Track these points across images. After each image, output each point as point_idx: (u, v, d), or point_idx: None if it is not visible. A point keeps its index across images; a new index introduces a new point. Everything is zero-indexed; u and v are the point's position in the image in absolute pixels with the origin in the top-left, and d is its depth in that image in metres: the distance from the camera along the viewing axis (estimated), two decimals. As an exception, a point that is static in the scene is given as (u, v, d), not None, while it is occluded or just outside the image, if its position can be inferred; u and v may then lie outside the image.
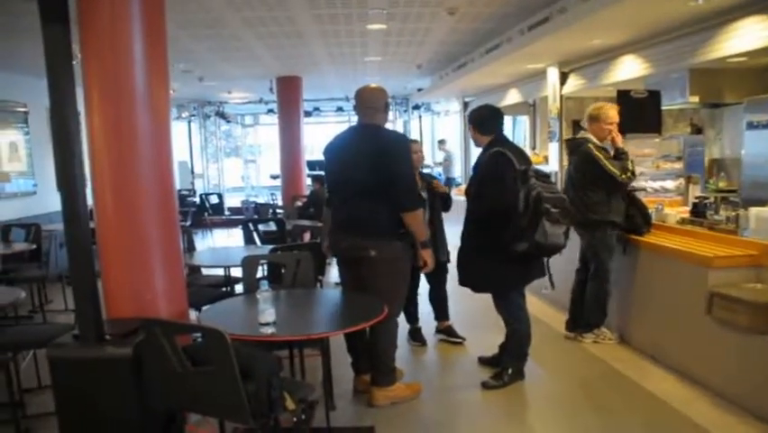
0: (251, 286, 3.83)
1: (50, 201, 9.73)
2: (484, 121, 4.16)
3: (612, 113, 4.84)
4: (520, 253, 3.83)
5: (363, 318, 3.10)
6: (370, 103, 3.83)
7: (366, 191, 3.68)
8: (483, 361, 4.65)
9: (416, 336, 5.15)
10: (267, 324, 2.78)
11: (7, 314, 5.29)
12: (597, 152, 4.70)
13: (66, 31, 2.77)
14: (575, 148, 4.89)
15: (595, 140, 4.82)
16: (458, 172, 14.20)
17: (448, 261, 5.01)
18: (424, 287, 5.11)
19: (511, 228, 3.81)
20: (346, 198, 3.82)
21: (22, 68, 8.61)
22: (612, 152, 4.78)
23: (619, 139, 4.83)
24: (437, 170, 14.81)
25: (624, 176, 4.66)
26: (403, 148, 3.79)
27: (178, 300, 3.68)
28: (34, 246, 6.77)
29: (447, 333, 5.22)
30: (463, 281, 4.23)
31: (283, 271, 4.06)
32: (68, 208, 2.99)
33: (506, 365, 4.27)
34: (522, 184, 3.82)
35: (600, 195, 4.75)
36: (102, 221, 3.43)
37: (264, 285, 2.84)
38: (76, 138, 2.92)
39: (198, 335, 2.93)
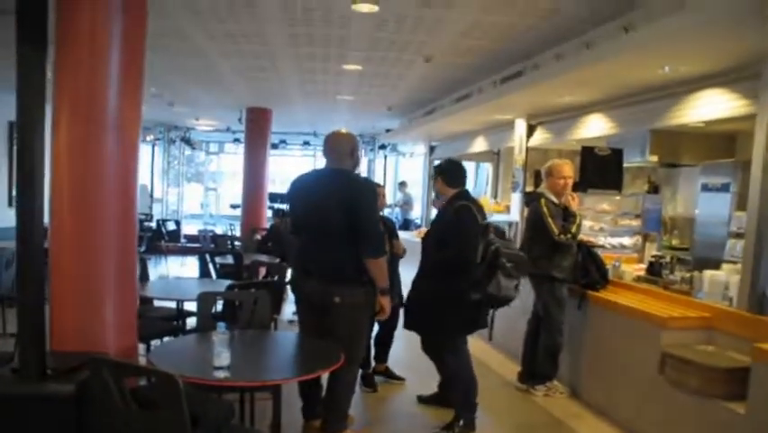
0: (205, 324, 3.73)
1: (0, 217, 9.42)
2: (454, 175, 4.29)
3: (566, 168, 4.98)
4: (473, 301, 3.97)
5: (320, 365, 3.04)
6: (339, 148, 3.84)
7: (333, 236, 3.66)
8: (423, 400, 4.72)
9: (368, 381, 5.08)
10: (221, 367, 2.68)
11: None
12: (544, 207, 4.83)
13: (43, 51, 2.71)
14: (530, 201, 5.04)
15: (550, 195, 4.93)
16: (417, 213, 14.29)
17: (401, 304, 5.00)
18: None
19: (467, 278, 3.95)
20: (313, 240, 3.79)
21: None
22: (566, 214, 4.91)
23: (573, 201, 4.98)
24: (396, 210, 14.82)
25: (561, 235, 4.78)
26: (372, 196, 3.81)
27: (128, 333, 3.55)
28: (-23, 264, 6.48)
29: (386, 374, 5.26)
30: (410, 325, 4.29)
31: (237, 305, 3.99)
32: (23, 227, 2.85)
33: (456, 416, 4.23)
34: (482, 238, 4.01)
35: (543, 249, 4.84)
36: (56, 243, 3.30)
37: (221, 327, 2.75)
38: (39, 155, 2.82)
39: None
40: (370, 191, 3.84)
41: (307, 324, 3.90)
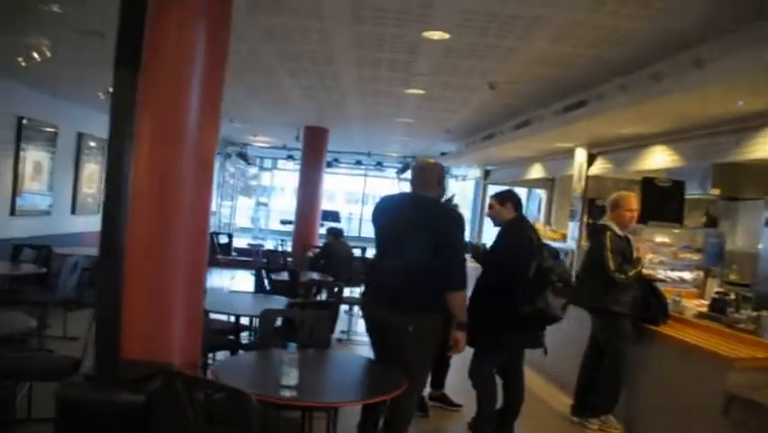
0: (267, 340, 3.79)
1: (63, 223, 9.80)
2: (513, 201, 4.54)
3: (634, 201, 4.99)
4: (523, 315, 4.11)
5: (384, 390, 3.06)
6: (428, 177, 3.84)
7: (414, 264, 3.59)
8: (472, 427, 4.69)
9: (420, 404, 5.04)
10: (288, 387, 2.73)
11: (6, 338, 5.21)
12: (607, 240, 4.76)
13: (136, 73, 2.85)
14: (593, 232, 4.96)
15: (615, 227, 4.87)
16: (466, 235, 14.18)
17: None
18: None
19: (519, 293, 4.11)
20: (392, 266, 3.73)
21: (58, 92, 8.80)
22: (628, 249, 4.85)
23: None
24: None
25: (617, 273, 4.68)
26: (460, 229, 3.78)
27: (193, 345, 3.63)
28: (44, 270, 6.73)
29: (443, 401, 5.23)
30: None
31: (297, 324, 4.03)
32: (107, 239, 2.98)
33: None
34: (536, 257, 4.18)
35: (601, 282, 4.76)
36: (132, 255, 3.37)
37: (292, 347, 2.80)
38: (127, 175, 2.95)
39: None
40: (458, 224, 3.80)
41: (378, 347, 3.86)
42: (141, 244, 3.40)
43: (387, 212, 3.94)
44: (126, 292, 3.40)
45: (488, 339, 4.29)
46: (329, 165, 14.55)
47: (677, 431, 4.36)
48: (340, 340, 6.55)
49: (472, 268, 4.81)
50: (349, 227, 14.28)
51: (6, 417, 3.60)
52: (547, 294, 4.07)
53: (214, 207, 16.65)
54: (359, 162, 16.07)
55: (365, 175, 17.15)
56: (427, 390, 5.12)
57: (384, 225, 3.88)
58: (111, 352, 3.00)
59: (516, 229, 4.41)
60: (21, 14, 5.04)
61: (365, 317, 3.91)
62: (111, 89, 7.29)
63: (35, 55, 5.63)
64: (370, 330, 3.86)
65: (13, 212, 8.52)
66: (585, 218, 7.50)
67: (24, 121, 8.49)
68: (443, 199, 4.22)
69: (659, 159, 6.10)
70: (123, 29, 2.79)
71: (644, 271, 5.24)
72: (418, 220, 3.69)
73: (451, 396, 5.26)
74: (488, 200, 4.95)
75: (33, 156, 8.90)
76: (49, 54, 5.64)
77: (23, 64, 5.77)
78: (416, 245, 3.58)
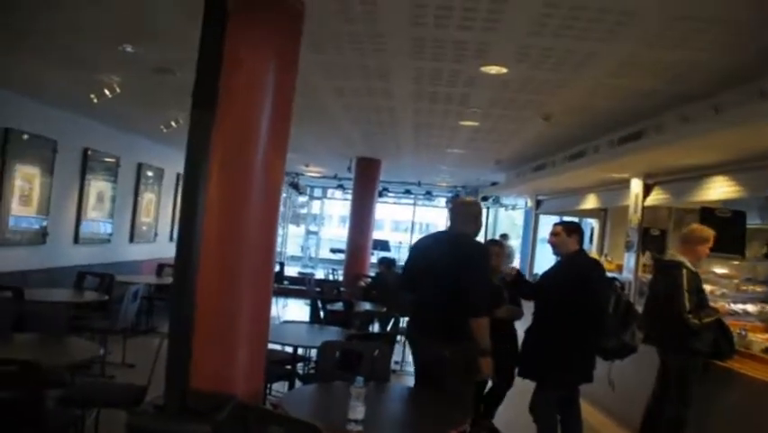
0: (327, 373, 3.83)
1: (122, 251, 10.10)
2: (579, 234, 4.62)
3: (711, 235, 4.83)
4: (608, 350, 4.26)
5: (448, 423, 3.05)
6: (465, 213, 4.18)
7: (444, 293, 3.87)
8: None
9: None
10: (356, 421, 2.75)
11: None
12: (684, 280, 4.55)
13: (213, 113, 2.98)
14: (665, 269, 4.76)
15: (689, 264, 4.69)
16: (516, 266, 14.07)
17: (515, 365, 4.97)
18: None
19: (603, 327, 4.22)
20: (427, 297, 4.03)
21: (121, 124, 9.14)
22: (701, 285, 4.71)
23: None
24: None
25: (691, 316, 4.46)
26: (482, 257, 4.05)
27: (256, 376, 3.69)
28: (106, 297, 6.94)
29: (490, 430, 5.21)
30: (526, 373, 4.49)
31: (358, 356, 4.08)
32: (181, 271, 3.08)
33: None
34: (612, 291, 4.32)
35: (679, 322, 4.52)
36: (203, 287, 3.43)
37: (360, 381, 2.83)
38: (200, 208, 3.06)
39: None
40: (481, 253, 4.09)
41: (421, 376, 4.05)
42: (213, 274, 3.46)
43: (422, 249, 4.31)
44: (197, 322, 3.50)
45: (554, 374, 4.30)
46: (379, 195, 14.68)
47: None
48: (394, 371, 6.53)
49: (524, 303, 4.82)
50: (398, 256, 14.29)
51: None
52: (634, 327, 4.23)
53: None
54: (408, 192, 16.15)
55: (414, 204, 17.20)
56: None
57: (419, 261, 4.22)
58: (180, 381, 3.07)
59: (591, 263, 4.54)
60: (95, 54, 5.29)
61: (411, 346, 4.22)
62: (173, 123, 7.51)
63: (106, 92, 5.91)
64: (414, 358, 4.15)
65: (77, 240, 8.85)
66: (640, 248, 7.38)
67: (89, 152, 8.86)
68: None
69: (718, 189, 5.97)
70: (200, 71, 2.93)
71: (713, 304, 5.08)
72: (447, 252, 3.99)
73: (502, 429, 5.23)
74: (549, 228, 4.88)
75: (97, 186, 9.26)
76: (118, 90, 5.91)
77: (95, 101, 6.04)
78: (444, 275, 3.90)
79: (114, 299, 6.97)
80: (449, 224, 4.29)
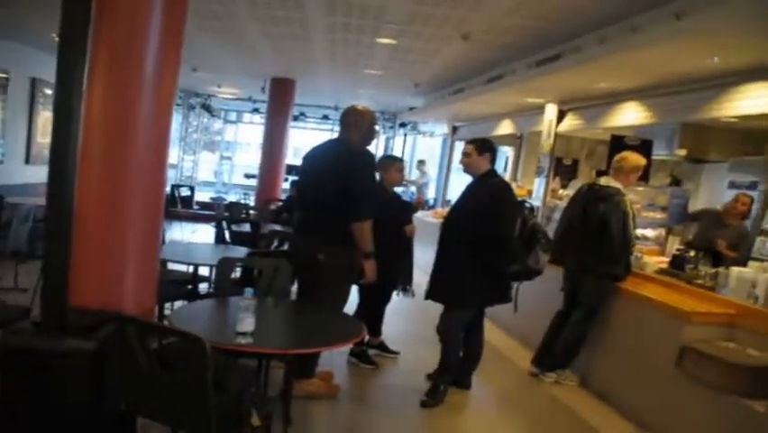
0: (224, 288, 3.70)
1: (16, 173, 9.44)
2: (492, 152, 4.41)
3: (642, 162, 4.93)
4: (511, 274, 4.19)
5: (342, 337, 3.00)
6: (348, 120, 4.18)
7: (327, 198, 3.96)
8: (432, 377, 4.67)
9: (365, 358, 5.04)
10: (244, 333, 2.64)
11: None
12: (629, 207, 4.68)
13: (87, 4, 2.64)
14: (606, 197, 4.74)
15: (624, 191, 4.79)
16: (432, 194, 14.25)
17: (405, 290, 5.18)
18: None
19: (506, 252, 4.12)
20: (311, 206, 4.16)
21: (7, 34, 8.36)
22: None
23: None
24: (412, 189, 14.63)
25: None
26: (368, 164, 4.14)
27: (147, 295, 3.49)
28: (-5, 218, 6.50)
29: (381, 348, 5.27)
30: (434, 296, 4.41)
31: (255, 274, 4.02)
32: (55, 184, 2.81)
33: (437, 384, 4.41)
34: (518, 214, 4.18)
35: (613, 248, 4.65)
36: (84, 202, 3.18)
37: (249, 292, 2.70)
38: (76, 114, 2.77)
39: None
40: (364, 159, 4.11)
41: (299, 282, 4.19)
42: (93, 192, 3.19)
43: (307, 159, 4.32)
44: (77, 240, 3.23)
45: (461, 296, 4.31)
46: (296, 119, 14.30)
47: (629, 384, 4.44)
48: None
49: (435, 223, 4.78)
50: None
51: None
52: (538, 251, 4.14)
53: (175, 160, 16.29)
54: (326, 117, 15.85)
55: (332, 130, 16.90)
56: (366, 338, 5.12)
57: (304, 171, 4.32)
58: (58, 298, 2.85)
59: (498, 186, 4.32)
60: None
61: (291, 249, 4.32)
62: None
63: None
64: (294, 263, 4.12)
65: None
66: (551, 175, 7.51)
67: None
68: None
69: (630, 115, 6.08)
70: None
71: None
72: (328, 160, 4.09)
73: (387, 344, 5.33)
74: (461, 148, 4.78)
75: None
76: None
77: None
78: (325, 183, 3.97)
79: (4, 222, 6.52)
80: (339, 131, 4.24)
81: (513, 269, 4.15)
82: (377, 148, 15.56)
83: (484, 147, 4.38)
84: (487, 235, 4.16)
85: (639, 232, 6.88)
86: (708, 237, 5.65)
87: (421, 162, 15.00)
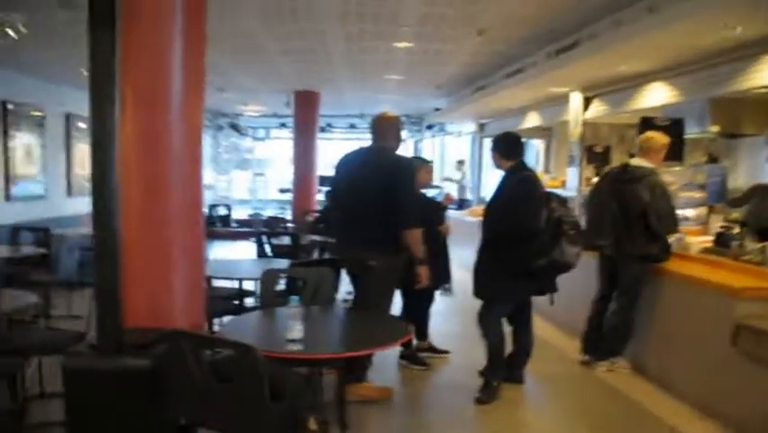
0: (270, 300, 3.77)
1: (59, 206, 9.70)
2: (509, 148, 4.40)
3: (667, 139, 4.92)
4: (539, 267, 4.10)
5: (390, 338, 3.02)
6: (383, 128, 4.22)
7: (372, 207, 4.00)
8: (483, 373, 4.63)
9: (415, 359, 5.05)
10: (294, 340, 2.69)
11: (12, 318, 5.19)
12: (667, 188, 4.65)
13: (113, 37, 2.75)
14: (641, 177, 4.65)
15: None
16: (468, 194, 14.20)
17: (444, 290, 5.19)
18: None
19: (534, 245, 4.06)
20: (353, 212, 4.14)
21: (41, 74, 8.63)
22: None
23: None
24: (444, 190, 14.51)
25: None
26: (410, 172, 4.15)
27: (196, 311, 3.59)
28: (43, 250, 6.69)
29: (430, 350, 5.27)
30: (478, 293, 4.41)
31: (300, 284, 4.05)
32: (99, 212, 2.92)
33: (489, 381, 4.38)
34: (544, 206, 4.11)
35: (651, 230, 4.58)
36: (128, 227, 3.31)
37: (294, 300, 2.75)
38: (112, 144, 2.88)
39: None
40: (407, 165, 4.19)
41: (355, 288, 4.25)
42: (135, 214, 3.33)
43: (346, 165, 4.31)
44: (125, 263, 3.35)
45: (496, 290, 4.31)
46: (323, 130, 14.40)
47: (686, 365, 4.35)
48: (346, 300, 6.51)
49: (475, 222, 4.79)
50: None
51: (19, 394, 3.58)
52: (563, 244, 4.07)
53: (209, 180, 16.55)
54: (353, 126, 15.90)
55: (359, 139, 16.99)
56: (414, 342, 5.13)
57: (345, 175, 4.28)
58: (112, 320, 2.95)
59: (524, 179, 4.28)
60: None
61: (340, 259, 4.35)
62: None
63: (10, 32, 5.48)
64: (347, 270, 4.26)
65: (8, 198, 8.42)
66: (584, 164, 7.44)
67: (9, 106, 8.32)
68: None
69: (656, 96, 6.01)
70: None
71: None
72: (373, 167, 4.09)
73: (436, 344, 5.33)
74: (489, 146, 4.78)
75: (22, 141, 8.72)
76: (24, 30, 5.49)
77: (-1, 42, 5.61)
78: (371, 190, 4.00)
79: (54, 253, 6.73)
80: (372, 139, 4.27)
81: (539, 263, 4.10)
82: (406, 151, 15.54)
83: (494, 145, 4.45)
84: (507, 231, 4.19)
85: (680, 212, 6.79)
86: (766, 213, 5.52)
87: (460, 162, 14.94)
